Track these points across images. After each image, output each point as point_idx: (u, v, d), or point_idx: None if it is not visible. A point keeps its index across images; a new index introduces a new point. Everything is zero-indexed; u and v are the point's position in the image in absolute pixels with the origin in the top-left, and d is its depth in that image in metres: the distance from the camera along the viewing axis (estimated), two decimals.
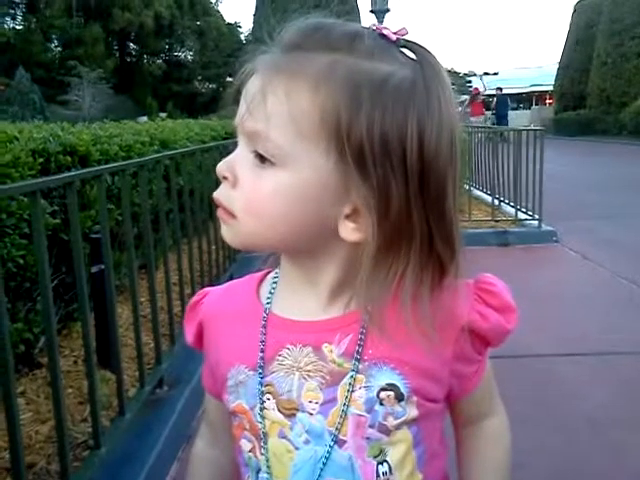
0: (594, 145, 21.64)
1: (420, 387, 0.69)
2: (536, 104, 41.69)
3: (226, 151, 4.63)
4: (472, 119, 16.77)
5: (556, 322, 3.70)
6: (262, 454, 0.72)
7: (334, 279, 0.70)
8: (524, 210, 6.43)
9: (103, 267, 2.27)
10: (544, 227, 6.17)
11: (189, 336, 0.83)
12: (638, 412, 2.59)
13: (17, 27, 40.58)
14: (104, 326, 2.48)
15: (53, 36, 40.83)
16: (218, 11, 52.69)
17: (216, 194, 0.68)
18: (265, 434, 0.72)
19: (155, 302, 2.61)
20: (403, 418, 0.69)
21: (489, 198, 6.95)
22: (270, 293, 0.77)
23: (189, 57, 50.68)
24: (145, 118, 16.80)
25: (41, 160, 2.73)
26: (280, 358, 0.71)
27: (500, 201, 6.92)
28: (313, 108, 0.61)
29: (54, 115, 18.74)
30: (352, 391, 0.68)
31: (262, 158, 0.64)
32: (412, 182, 0.61)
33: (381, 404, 0.68)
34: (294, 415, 0.70)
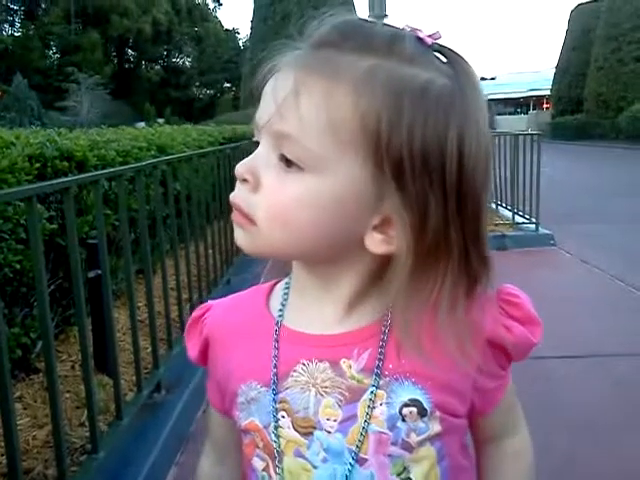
0: (591, 149, 21.71)
1: (443, 401, 0.66)
2: (534, 109, 41.83)
3: (223, 156, 4.64)
4: None
5: (553, 324, 3.69)
6: (277, 473, 0.69)
7: (353, 291, 0.67)
8: (521, 214, 6.46)
9: (100, 272, 2.27)
10: (541, 230, 6.19)
11: (192, 352, 0.79)
12: (634, 413, 2.60)
13: (15, 34, 40.67)
14: (101, 331, 2.48)
15: (51, 43, 40.96)
16: (216, 17, 52.86)
17: (234, 197, 0.64)
18: (280, 452, 0.68)
19: (152, 307, 2.62)
20: (426, 434, 0.66)
21: None
22: (282, 305, 0.73)
23: (187, 63, 50.82)
24: (143, 124, 16.82)
25: (38, 165, 2.73)
26: (295, 374, 0.68)
27: (498, 205, 6.95)
28: (353, 114, 0.57)
29: (52, 121, 18.74)
30: (373, 407, 0.65)
31: (288, 162, 0.60)
32: (450, 197, 0.58)
33: (403, 420, 0.65)
34: (311, 433, 0.67)
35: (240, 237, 0.65)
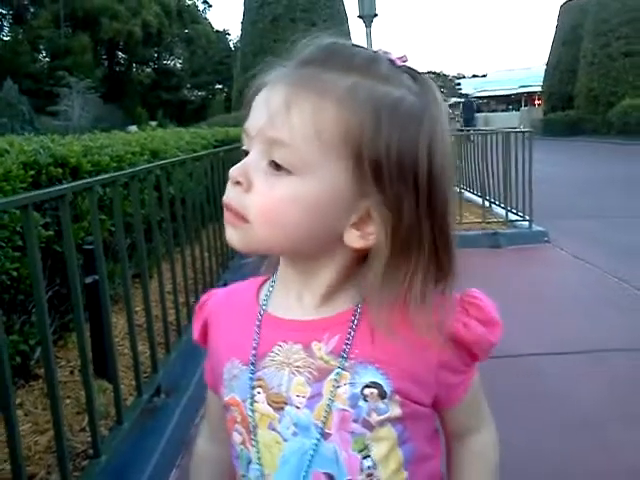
0: (583, 145, 21.79)
1: (403, 388, 0.72)
2: (525, 105, 41.87)
3: (216, 159, 4.65)
4: None
5: (548, 321, 3.73)
6: (253, 445, 0.76)
7: (329, 282, 0.74)
8: (515, 211, 6.47)
9: (97, 278, 2.28)
10: (535, 228, 6.22)
11: (195, 333, 0.88)
12: (631, 409, 2.61)
13: (4, 38, 40.44)
14: (100, 336, 2.48)
15: (41, 47, 40.78)
16: (206, 19, 52.71)
17: (227, 198, 0.71)
18: (255, 426, 0.75)
19: (150, 311, 2.63)
20: (386, 415, 0.72)
21: (480, 200, 7.00)
22: (267, 294, 0.81)
23: (178, 65, 50.68)
24: (134, 127, 16.79)
25: (32, 173, 2.73)
26: (272, 354, 0.75)
27: (491, 203, 6.96)
28: (338, 124, 0.65)
29: (44, 126, 18.69)
30: (337, 387, 0.72)
31: (277, 166, 0.67)
32: (422, 197, 0.67)
33: (365, 400, 0.71)
34: (282, 408, 0.74)
35: (232, 234, 0.71)
